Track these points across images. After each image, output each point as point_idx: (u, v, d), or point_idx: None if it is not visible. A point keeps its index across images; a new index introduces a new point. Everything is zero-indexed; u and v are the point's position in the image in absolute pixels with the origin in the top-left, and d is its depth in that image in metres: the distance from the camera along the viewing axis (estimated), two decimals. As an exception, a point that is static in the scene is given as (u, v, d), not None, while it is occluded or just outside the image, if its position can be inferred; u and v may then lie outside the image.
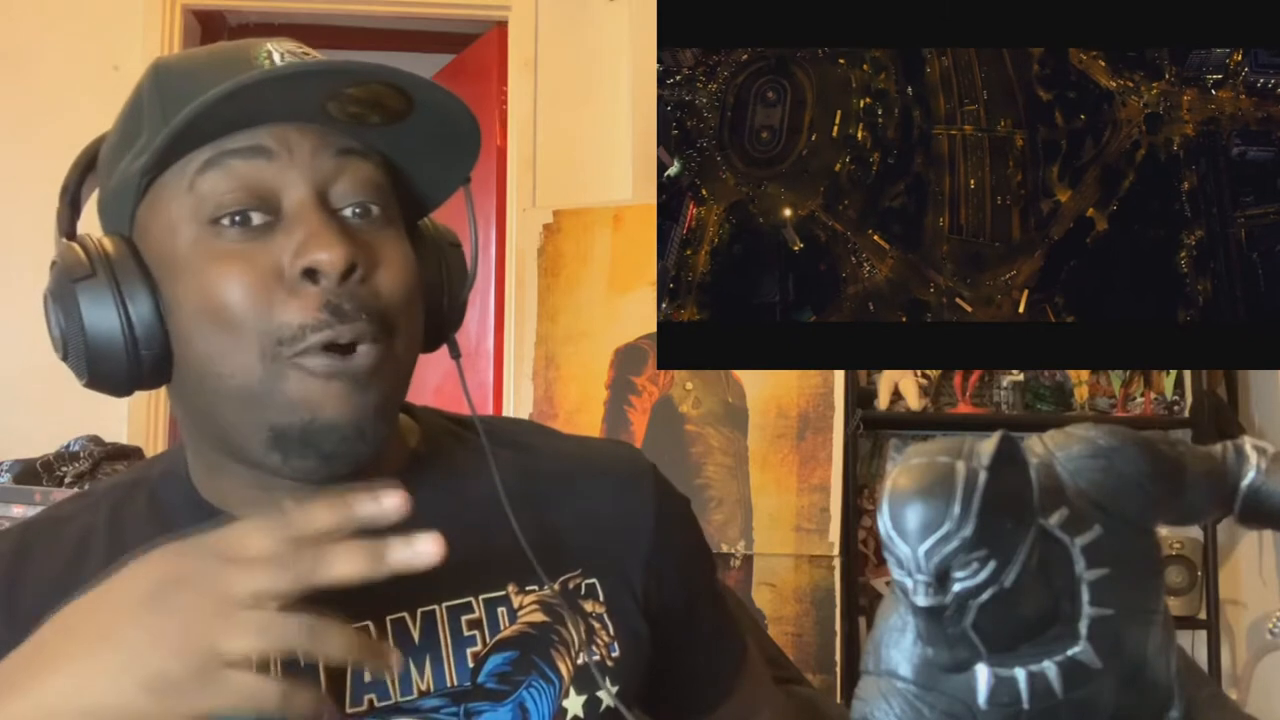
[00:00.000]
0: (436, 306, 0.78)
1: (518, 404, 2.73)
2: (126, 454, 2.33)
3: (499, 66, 3.12)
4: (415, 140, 0.72)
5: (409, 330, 0.73)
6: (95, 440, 2.33)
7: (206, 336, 0.69)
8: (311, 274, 0.68)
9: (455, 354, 0.80)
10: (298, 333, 0.67)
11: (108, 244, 0.71)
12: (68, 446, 2.31)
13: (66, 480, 2.19)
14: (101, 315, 0.69)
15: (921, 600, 0.47)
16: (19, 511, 2.00)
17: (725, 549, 2.51)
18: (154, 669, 0.55)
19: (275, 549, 0.57)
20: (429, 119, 0.71)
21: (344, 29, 3.63)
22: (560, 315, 2.71)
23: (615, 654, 0.79)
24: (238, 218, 0.68)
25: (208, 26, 3.28)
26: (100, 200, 0.75)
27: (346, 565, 0.56)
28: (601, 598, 0.79)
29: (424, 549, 0.57)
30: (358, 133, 0.71)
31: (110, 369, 0.70)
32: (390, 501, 0.58)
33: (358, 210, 0.71)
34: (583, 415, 2.64)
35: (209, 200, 0.68)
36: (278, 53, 0.71)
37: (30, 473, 2.20)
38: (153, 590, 0.57)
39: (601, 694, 0.77)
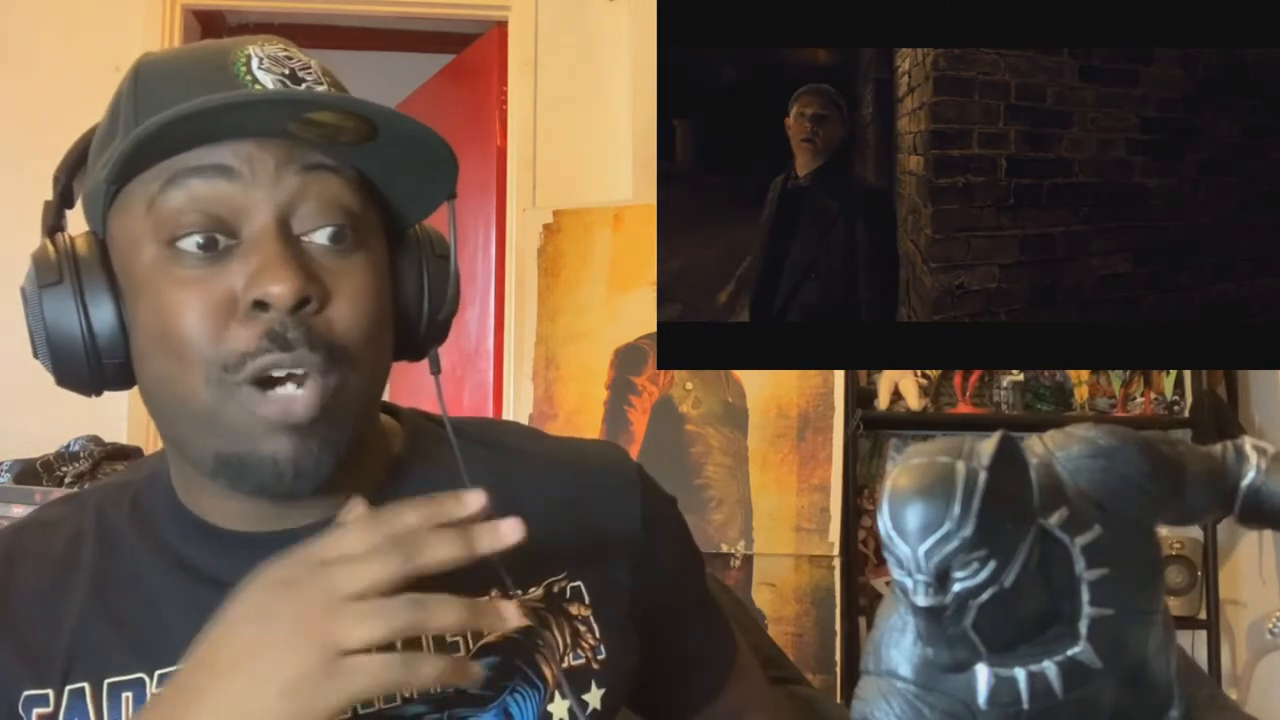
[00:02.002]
0: (415, 321, 0.77)
1: (518, 404, 2.73)
2: (126, 454, 2.33)
3: (499, 66, 3.12)
4: (389, 159, 0.70)
5: (369, 360, 0.71)
6: (95, 440, 2.33)
7: (159, 359, 0.69)
8: (262, 305, 0.66)
9: (435, 369, 0.78)
10: (239, 360, 0.67)
11: (80, 247, 0.71)
12: (68, 446, 2.31)
13: (66, 480, 2.19)
14: (65, 322, 0.69)
15: (921, 600, 0.47)
16: (19, 511, 2.00)
17: (725, 549, 2.51)
18: (286, 675, 0.57)
19: (373, 544, 0.59)
20: (399, 141, 0.69)
21: (344, 29, 3.63)
22: (560, 315, 2.71)
23: (601, 656, 0.78)
24: (198, 241, 0.67)
25: (208, 26, 3.28)
26: (82, 198, 0.74)
27: (444, 550, 0.60)
28: (587, 600, 0.79)
29: (507, 531, 0.61)
30: (329, 148, 0.69)
31: (75, 372, 0.71)
32: (474, 501, 0.61)
33: (323, 233, 0.69)
34: (583, 415, 2.64)
35: (168, 222, 0.67)
36: (257, 58, 0.70)
37: (30, 473, 2.20)
38: (264, 604, 0.59)
39: (587, 697, 0.76)
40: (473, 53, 3.30)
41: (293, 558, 0.60)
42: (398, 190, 0.74)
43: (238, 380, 0.67)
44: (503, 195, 3.08)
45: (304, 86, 0.70)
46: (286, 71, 0.70)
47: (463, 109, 3.27)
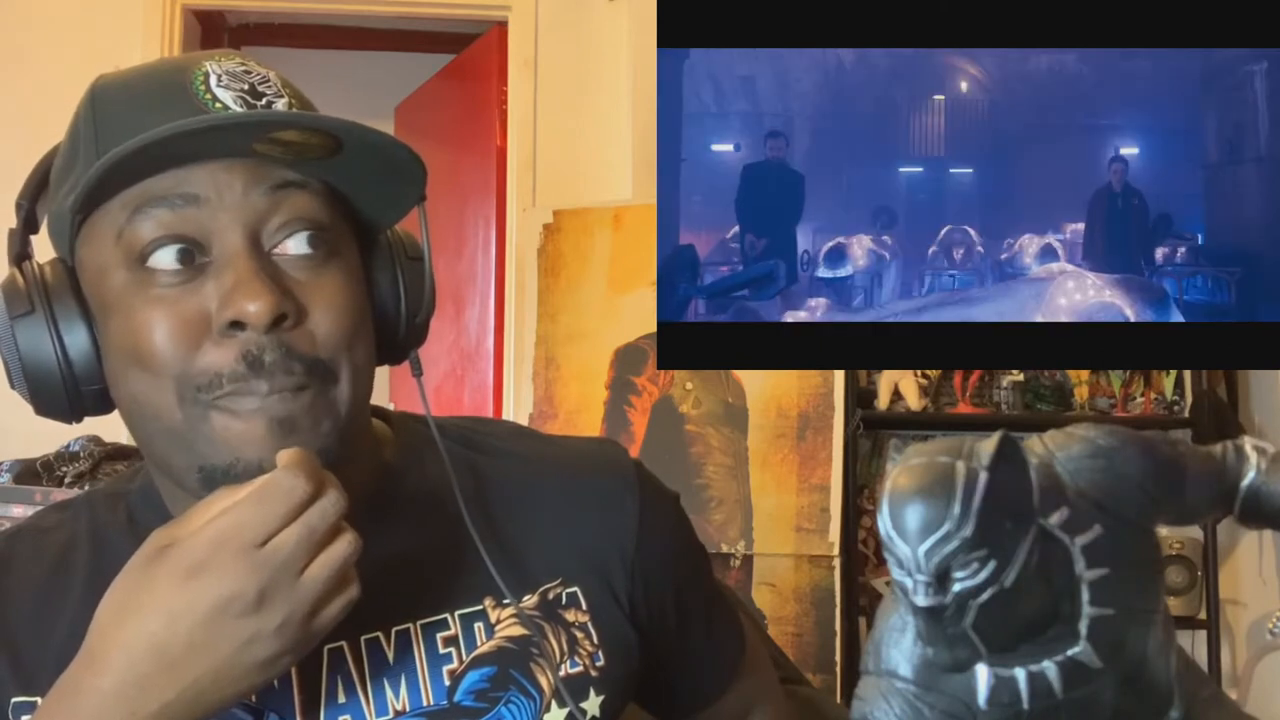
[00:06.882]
0: (393, 324, 0.76)
1: (518, 404, 2.73)
2: (126, 454, 2.33)
3: (499, 66, 3.13)
4: (355, 169, 0.70)
5: (353, 367, 0.70)
6: (95, 440, 2.33)
7: (132, 377, 0.68)
8: (238, 324, 0.66)
9: (417, 371, 0.78)
10: (214, 380, 0.66)
11: (49, 276, 0.70)
12: (68, 446, 2.31)
13: (66, 480, 2.19)
14: (40, 352, 0.69)
15: (921, 600, 0.47)
16: (19, 511, 2.00)
17: (725, 549, 2.51)
18: (268, 654, 0.61)
19: (287, 511, 0.60)
20: (364, 152, 0.68)
21: (344, 29, 3.63)
22: (560, 315, 2.71)
23: (600, 663, 0.78)
24: (174, 253, 0.66)
25: (208, 26, 3.28)
26: (47, 223, 0.73)
27: (336, 493, 0.62)
28: (584, 606, 0.78)
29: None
30: (295, 163, 0.68)
31: (53, 401, 0.71)
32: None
33: (295, 243, 0.68)
34: (583, 415, 2.64)
35: (137, 248, 0.66)
36: (215, 75, 0.68)
37: (30, 473, 2.20)
38: (222, 603, 0.60)
39: (585, 705, 0.76)
40: (473, 53, 3.30)
41: (204, 549, 0.60)
42: (366, 198, 0.73)
43: (213, 398, 0.66)
44: (503, 195, 3.08)
45: (264, 101, 0.69)
46: (246, 87, 0.69)
47: (463, 109, 3.27)
